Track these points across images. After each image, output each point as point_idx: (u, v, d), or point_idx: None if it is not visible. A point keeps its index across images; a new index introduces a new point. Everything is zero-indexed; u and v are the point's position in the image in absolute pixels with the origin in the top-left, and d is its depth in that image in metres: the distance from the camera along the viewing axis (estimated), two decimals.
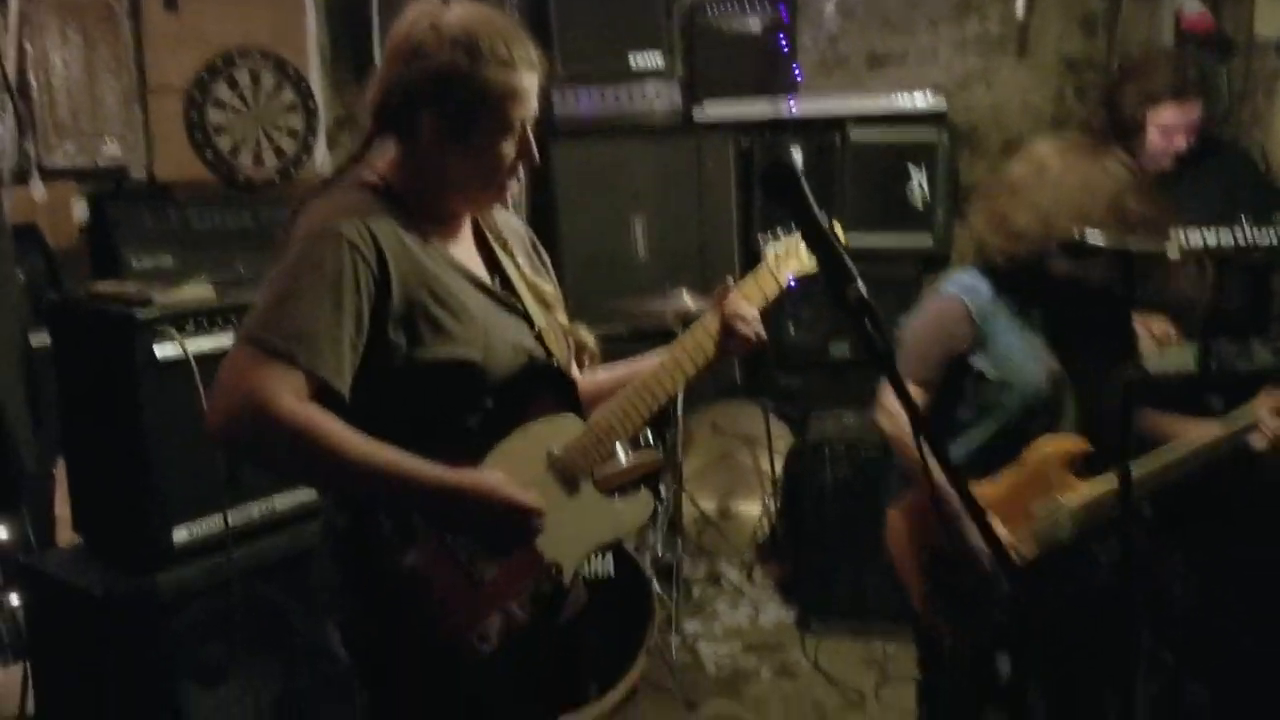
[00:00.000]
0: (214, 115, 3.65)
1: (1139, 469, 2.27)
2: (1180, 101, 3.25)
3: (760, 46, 4.43)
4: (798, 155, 4.41)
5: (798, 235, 1.92)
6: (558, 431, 1.78)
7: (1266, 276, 3.38)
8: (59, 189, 3.38)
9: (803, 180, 1.48)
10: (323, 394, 1.59)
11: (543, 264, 1.98)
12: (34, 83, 3.28)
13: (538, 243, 2.01)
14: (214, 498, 2.34)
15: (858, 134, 4.29)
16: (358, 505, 1.70)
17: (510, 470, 1.69)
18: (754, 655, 3.81)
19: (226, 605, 2.32)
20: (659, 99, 4.46)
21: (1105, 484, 2.32)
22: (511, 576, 1.70)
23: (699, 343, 1.89)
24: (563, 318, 1.92)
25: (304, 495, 2.54)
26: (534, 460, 1.75)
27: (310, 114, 3.88)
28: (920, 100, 4.26)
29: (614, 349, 2.04)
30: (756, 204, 4.45)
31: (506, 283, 1.83)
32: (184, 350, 2.31)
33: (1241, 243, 2.78)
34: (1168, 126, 3.26)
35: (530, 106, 1.71)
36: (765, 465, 4.44)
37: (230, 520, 2.35)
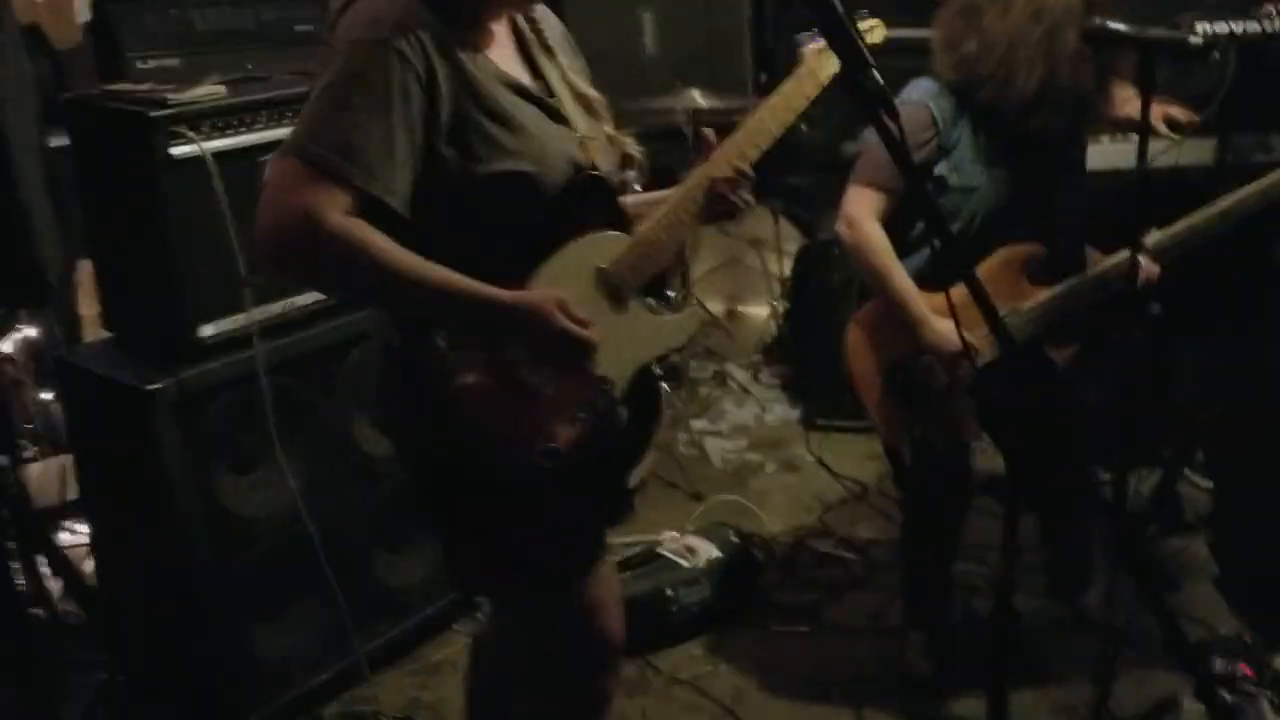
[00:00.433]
0: None
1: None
2: None
3: None
4: None
5: None
6: (605, 247, 1.75)
7: None
8: None
9: None
10: (373, 211, 1.56)
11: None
12: None
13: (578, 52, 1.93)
14: (238, 295, 2.40)
15: None
16: (412, 323, 1.68)
17: (557, 287, 1.67)
18: (759, 451, 3.96)
19: (253, 397, 2.41)
20: None
21: (1059, 289, 2.43)
22: (566, 392, 1.70)
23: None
24: (609, 126, 1.86)
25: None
26: (583, 277, 1.72)
27: None
28: None
29: None
30: None
31: (549, 91, 1.77)
32: (201, 149, 2.32)
33: (1269, 30, 2.75)
34: None
35: None
36: (774, 267, 4.49)
37: (254, 317, 2.42)
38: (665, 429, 3.73)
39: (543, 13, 1.85)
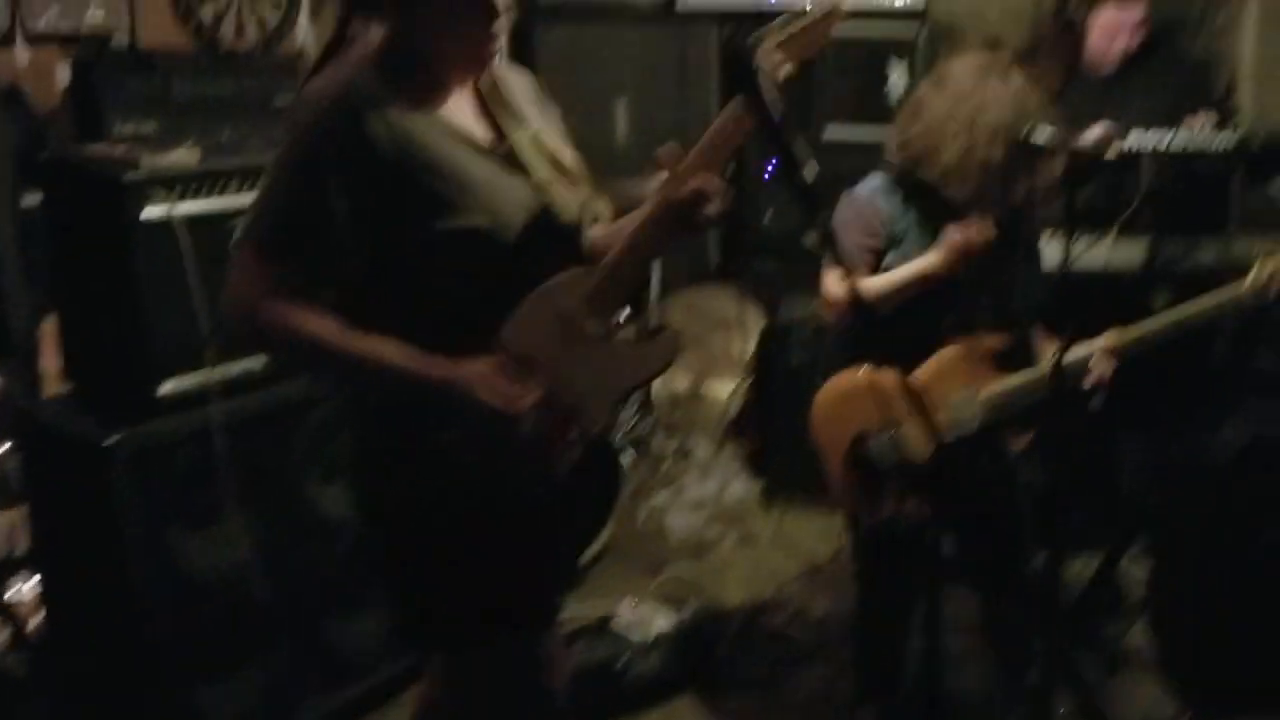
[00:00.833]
0: None
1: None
2: (1121, 2, 3.28)
3: None
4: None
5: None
6: (572, 285, 1.76)
7: (1226, 176, 3.46)
8: (43, 53, 3.40)
9: (759, 69, 1.56)
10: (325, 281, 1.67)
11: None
12: None
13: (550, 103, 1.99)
14: (200, 354, 2.44)
15: (839, 26, 4.29)
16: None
17: (529, 333, 1.71)
18: (718, 525, 3.98)
19: (211, 455, 2.43)
20: None
21: (1014, 379, 2.52)
22: (546, 432, 1.73)
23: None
24: (584, 183, 1.88)
25: None
26: (551, 318, 1.74)
27: None
28: None
29: None
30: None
31: (509, 146, 1.80)
32: (171, 212, 2.38)
33: (1189, 146, 2.89)
34: (1109, 27, 3.30)
35: None
36: (738, 347, 4.58)
37: (214, 376, 2.45)
38: (627, 501, 3.76)
39: (506, 71, 1.89)
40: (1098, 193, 2.78)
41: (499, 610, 1.82)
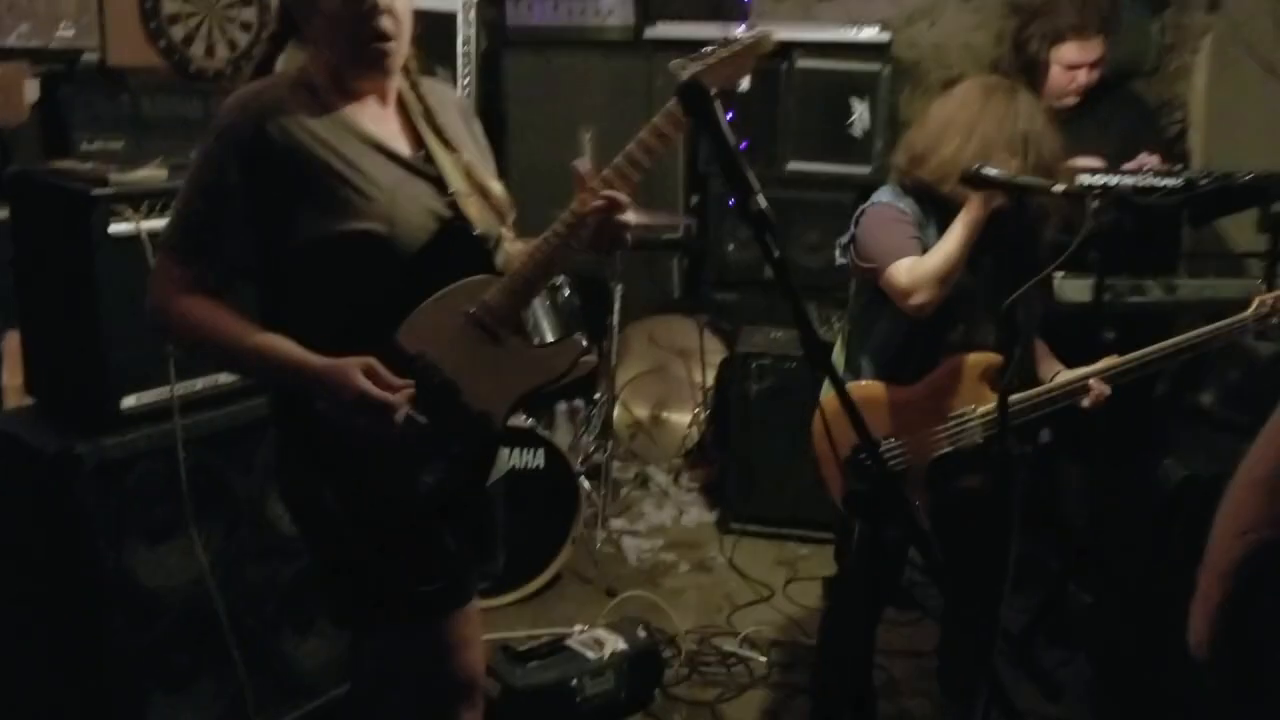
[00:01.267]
0: (168, 4, 3.68)
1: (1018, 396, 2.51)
2: (1082, 39, 3.37)
3: None
4: (744, 80, 4.52)
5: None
6: (473, 290, 1.85)
7: (1176, 216, 3.56)
8: (12, 69, 3.42)
9: (713, 100, 1.63)
10: (239, 278, 1.81)
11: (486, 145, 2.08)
12: None
13: (476, 120, 2.09)
14: (161, 369, 2.46)
15: (804, 62, 4.41)
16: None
17: (426, 333, 1.81)
18: (674, 551, 4.03)
19: (171, 470, 2.45)
20: (612, 15, 4.56)
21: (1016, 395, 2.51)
22: (441, 429, 1.82)
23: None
24: (507, 218, 1.98)
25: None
26: (450, 320, 1.83)
27: (264, 8, 3.92)
28: (866, 33, 4.39)
29: None
30: None
31: (428, 157, 1.89)
32: (138, 229, 2.41)
33: (1138, 185, 2.98)
34: (1070, 64, 3.39)
35: None
36: (698, 377, 4.64)
37: (175, 391, 2.47)
38: (584, 526, 3.80)
39: (432, 88, 1.98)
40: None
41: (408, 593, 1.91)
